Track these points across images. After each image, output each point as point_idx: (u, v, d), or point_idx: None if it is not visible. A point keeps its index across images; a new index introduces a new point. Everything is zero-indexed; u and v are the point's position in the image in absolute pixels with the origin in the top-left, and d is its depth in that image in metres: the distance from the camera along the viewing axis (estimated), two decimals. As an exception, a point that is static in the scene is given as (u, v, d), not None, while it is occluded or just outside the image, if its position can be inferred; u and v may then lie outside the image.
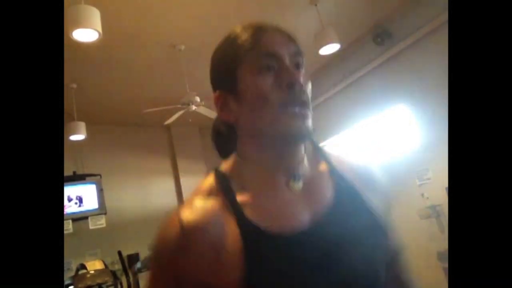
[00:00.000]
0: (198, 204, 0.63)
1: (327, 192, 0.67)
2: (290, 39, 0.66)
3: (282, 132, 0.62)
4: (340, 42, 3.46)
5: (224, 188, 0.64)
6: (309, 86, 0.66)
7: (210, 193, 0.64)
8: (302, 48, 0.67)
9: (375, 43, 4.17)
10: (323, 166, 0.71)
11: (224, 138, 0.73)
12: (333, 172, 0.70)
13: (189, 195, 0.66)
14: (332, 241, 0.61)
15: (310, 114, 0.64)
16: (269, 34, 0.65)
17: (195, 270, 0.59)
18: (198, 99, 3.82)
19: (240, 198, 0.63)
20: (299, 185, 0.65)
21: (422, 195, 3.85)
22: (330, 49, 3.46)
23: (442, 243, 3.56)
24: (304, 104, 0.63)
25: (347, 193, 0.67)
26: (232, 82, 0.65)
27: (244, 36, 0.65)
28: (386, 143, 4.31)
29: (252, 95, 0.63)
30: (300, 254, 0.59)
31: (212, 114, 4.03)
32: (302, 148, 0.68)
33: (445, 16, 3.52)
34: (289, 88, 0.62)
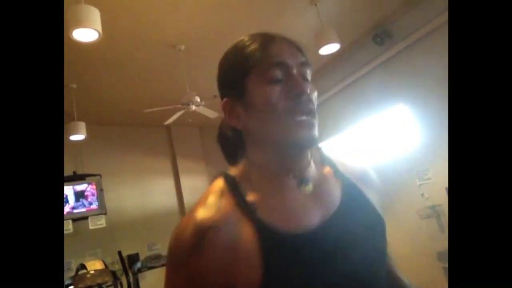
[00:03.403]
0: (211, 203, 0.63)
1: (335, 193, 0.70)
2: (297, 49, 0.68)
3: (289, 140, 0.64)
4: (340, 42, 3.46)
5: (234, 190, 0.65)
6: (315, 95, 0.68)
7: (221, 195, 0.65)
8: (308, 59, 0.69)
9: (375, 43, 4.17)
10: (327, 169, 0.74)
11: (231, 143, 0.74)
12: (338, 174, 0.73)
13: (199, 197, 0.66)
14: (342, 237, 0.63)
15: (316, 122, 0.66)
16: (277, 44, 0.66)
17: (211, 270, 0.59)
18: (198, 99, 3.82)
19: (250, 199, 0.64)
20: (309, 187, 0.67)
21: (422, 195, 3.85)
22: (330, 49, 3.46)
23: (442, 243, 3.56)
24: (310, 112, 0.65)
25: (352, 193, 0.71)
26: (240, 90, 0.66)
27: (253, 46, 0.66)
28: (386, 143, 4.31)
29: (260, 103, 0.64)
30: (314, 251, 0.61)
31: (212, 114, 4.04)
32: (309, 153, 0.70)
33: (445, 16, 3.52)
34: (297, 98, 0.63)
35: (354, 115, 4.48)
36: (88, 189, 4.60)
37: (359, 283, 0.62)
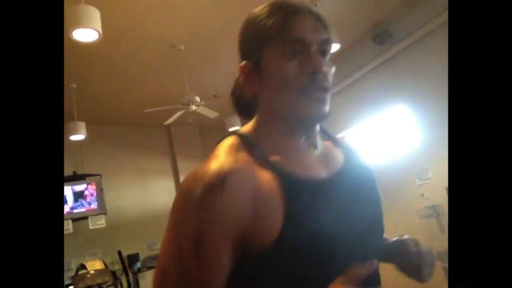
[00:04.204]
0: (228, 155, 0.62)
1: (338, 157, 0.74)
2: (322, 24, 0.67)
3: (299, 115, 0.66)
4: (340, 42, 3.46)
5: (249, 144, 0.66)
6: (332, 72, 0.68)
7: (237, 150, 0.64)
8: (332, 34, 0.69)
9: (375, 43, 4.17)
10: (328, 142, 0.78)
11: (245, 102, 0.75)
12: (337, 143, 0.79)
13: (211, 154, 0.65)
14: (349, 189, 0.68)
15: (329, 99, 0.67)
16: (301, 18, 0.65)
17: (230, 210, 0.57)
18: (198, 99, 3.82)
19: (266, 153, 0.65)
20: (317, 150, 0.71)
21: (422, 195, 3.85)
22: (330, 49, 3.45)
23: (442, 243, 3.56)
24: (324, 90, 0.66)
25: (353, 156, 0.77)
26: (258, 58, 0.67)
27: (275, 17, 0.65)
28: (386, 143, 4.31)
29: (275, 77, 0.65)
30: (330, 198, 0.65)
31: (212, 114, 4.04)
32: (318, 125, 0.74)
33: (445, 16, 3.52)
34: (311, 75, 0.64)
35: (354, 115, 4.48)
36: (87, 190, 4.60)
37: (367, 231, 0.67)
